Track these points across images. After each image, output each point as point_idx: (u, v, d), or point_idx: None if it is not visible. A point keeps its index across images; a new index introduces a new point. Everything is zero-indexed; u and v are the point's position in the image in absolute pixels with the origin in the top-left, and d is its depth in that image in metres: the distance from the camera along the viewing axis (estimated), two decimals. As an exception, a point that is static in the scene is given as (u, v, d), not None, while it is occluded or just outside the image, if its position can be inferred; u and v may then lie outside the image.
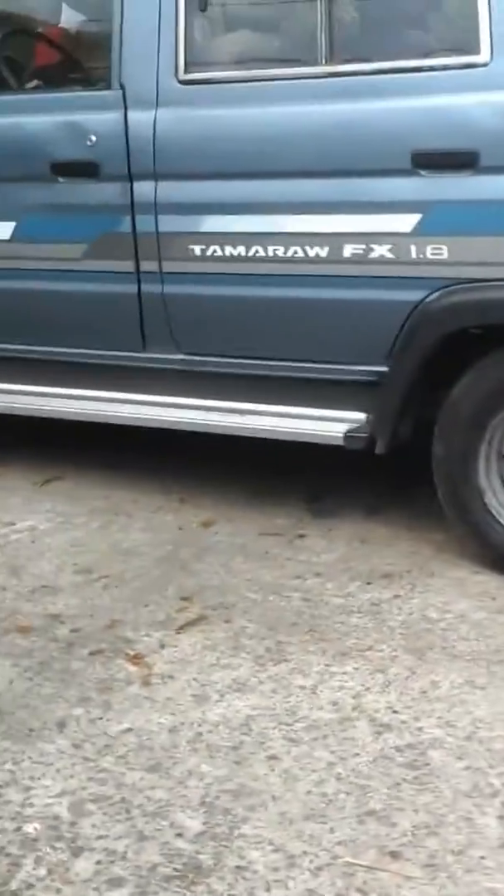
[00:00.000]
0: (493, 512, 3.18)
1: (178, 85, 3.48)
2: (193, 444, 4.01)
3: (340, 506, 3.73)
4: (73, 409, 3.84)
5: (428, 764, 2.36)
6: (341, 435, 3.29)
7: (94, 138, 3.56)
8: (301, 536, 3.54)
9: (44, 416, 3.90)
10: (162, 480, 3.97)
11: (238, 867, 2.10)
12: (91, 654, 2.89)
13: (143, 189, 3.53)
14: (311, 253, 3.31)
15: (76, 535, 3.60)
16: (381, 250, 3.20)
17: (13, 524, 3.69)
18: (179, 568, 3.35)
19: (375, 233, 3.20)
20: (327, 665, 2.77)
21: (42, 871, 2.12)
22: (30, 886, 2.09)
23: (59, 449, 4.25)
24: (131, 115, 3.51)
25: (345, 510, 3.70)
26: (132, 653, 2.88)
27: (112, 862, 2.14)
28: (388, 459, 3.31)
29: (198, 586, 3.23)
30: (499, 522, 3.18)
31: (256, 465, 4.01)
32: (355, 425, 3.30)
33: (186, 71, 3.46)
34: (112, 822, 2.25)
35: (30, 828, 2.25)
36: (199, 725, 2.56)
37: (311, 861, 2.10)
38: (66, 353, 3.86)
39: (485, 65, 3.00)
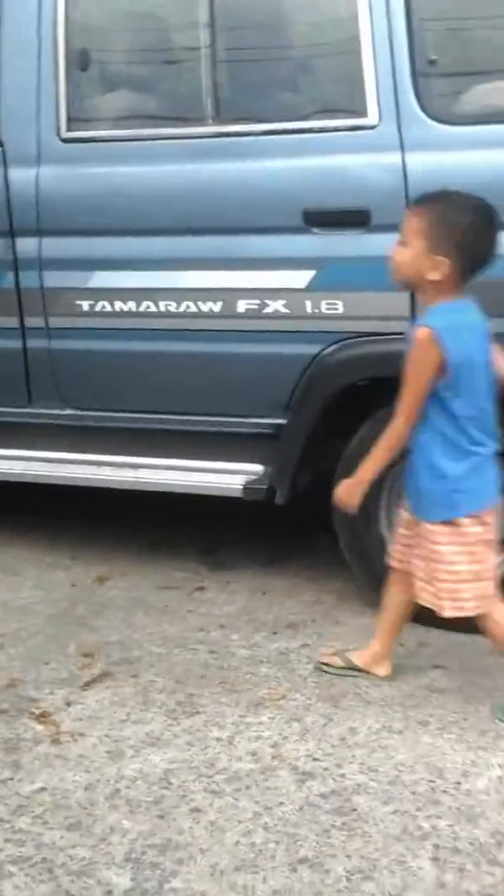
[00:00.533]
0: None
1: (61, 143, 3.47)
2: (83, 499, 3.96)
3: (238, 558, 3.73)
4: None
5: (355, 809, 2.36)
6: (240, 487, 3.30)
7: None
8: (200, 589, 3.52)
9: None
10: (51, 537, 3.91)
11: (173, 922, 2.06)
12: (-6, 714, 2.81)
13: (27, 245, 3.50)
14: (205, 308, 3.33)
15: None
16: (275, 305, 3.24)
17: None
18: (77, 624, 3.29)
19: (269, 288, 3.25)
20: (241, 716, 2.75)
21: (-34, 939, 2.04)
22: None
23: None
24: (12, 172, 3.49)
25: (243, 562, 3.70)
26: (37, 711, 2.81)
27: (41, 924, 2.07)
28: (284, 510, 3.33)
29: (99, 642, 3.17)
30: None
31: (148, 518, 3.98)
32: (254, 477, 3.31)
33: (69, 129, 3.46)
34: (35, 882, 2.18)
35: None
36: (117, 781, 2.50)
37: (247, 911, 2.08)
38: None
39: (373, 127, 3.10)
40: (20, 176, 3.49)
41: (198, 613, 3.35)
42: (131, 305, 3.44)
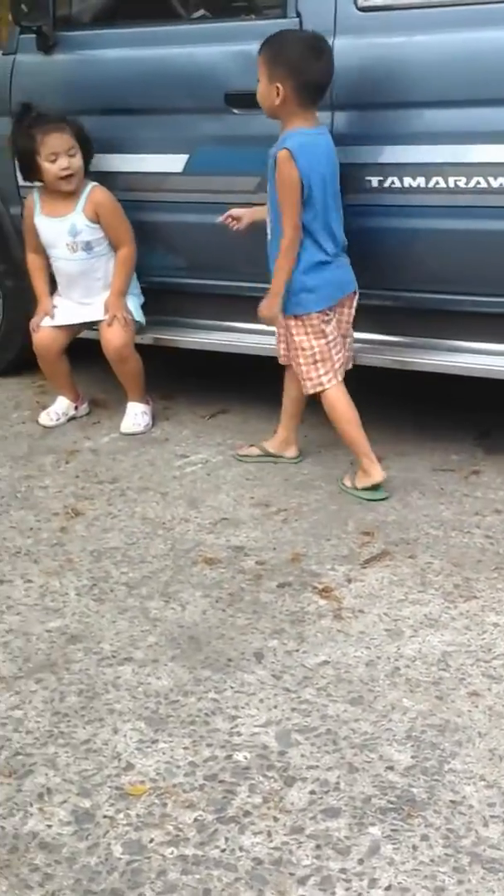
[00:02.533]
0: None
1: (358, 12, 3.43)
2: (362, 380, 4.01)
3: (513, 442, 3.71)
4: (242, 343, 3.86)
5: None
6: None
7: (268, 68, 3.53)
8: (475, 472, 3.53)
9: (213, 349, 3.94)
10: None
11: (452, 801, 2.14)
12: (279, 586, 2.94)
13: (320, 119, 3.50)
14: (495, 184, 3.26)
15: (248, 468, 3.64)
16: None
17: (186, 457, 3.75)
18: (356, 503, 3.37)
19: None
20: (519, 603, 2.79)
21: (257, 800, 2.19)
22: (247, 814, 2.15)
23: (223, 383, 4.29)
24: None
25: (519, 446, 3.68)
26: (320, 586, 2.92)
27: (326, 792, 2.19)
28: None
29: (377, 521, 3.25)
30: None
31: (423, 399, 3.99)
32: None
33: (366, -3, 3.40)
34: (321, 753, 2.31)
35: (240, 756, 2.32)
36: (396, 660, 2.59)
37: (526, 798, 2.13)
38: (234, 287, 3.87)
39: None
40: None
41: (473, 497, 3.37)
42: (420, 181, 3.40)
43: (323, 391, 3.40)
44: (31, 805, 2.21)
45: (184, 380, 4.35)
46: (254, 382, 4.25)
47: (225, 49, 3.68)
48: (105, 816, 2.17)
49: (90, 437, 3.92)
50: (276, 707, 2.46)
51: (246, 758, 2.31)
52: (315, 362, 3.38)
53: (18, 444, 3.94)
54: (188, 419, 4.04)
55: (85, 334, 4.11)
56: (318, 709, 2.44)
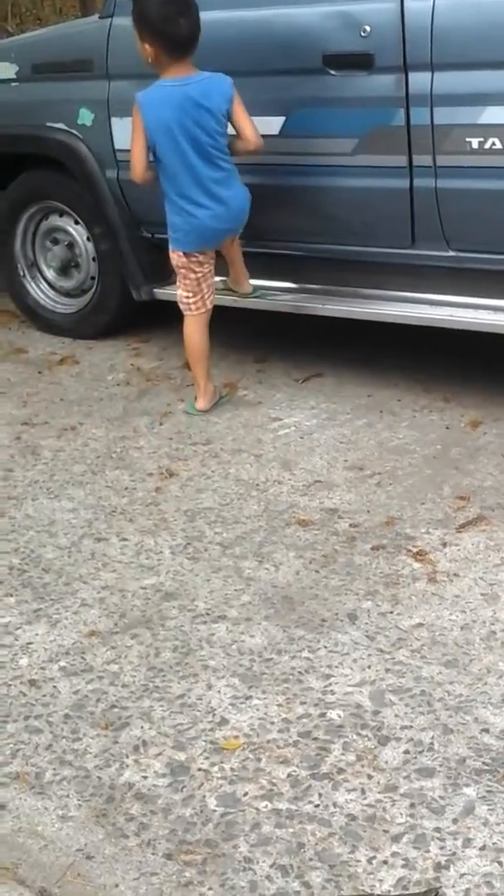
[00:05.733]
0: None
1: (457, -30, 3.37)
2: (455, 344, 3.97)
3: None
4: (337, 307, 3.85)
5: None
6: None
7: (367, 29, 3.48)
8: None
9: (308, 313, 3.93)
10: (424, 380, 3.94)
11: (550, 765, 2.13)
12: (373, 548, 2.93)
13: (419, 80, 3.45)
14: None
15: (343, 431, 3.63)
16: None
17: (280, 419, 3.74)
18: (451, 467, 3.34)
19: None
20: None
21: (350, 757, 2.20)
22: (340, 771, 2.16)
23: (316, 346, 4.27)
24: (408, 3, 3.42)
25: None
26: (414, 549, 2.91)
27: (420, 752, 2.19)
28: None
29: (472, 486, 3.21)
30: None
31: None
32: None
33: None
34: (415, 713, 2.30)
35: (334, 714, 2.32)
36: (492, 624, 2.57)
37: None
38: (332, 250, 3.86)
39: None
40: (416, 8, 3.41)
41: None
42: None
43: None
44: (127, 757, 2.25)
45: (278, 342, 4.34)
46: (348, 346, 4.23)
47: (323, 10, 3.64)
48: (200, 769, 2.20)
49: (184, 399, 3.93)
50: (369, 667, 2.46)
51: (339, 716, 2.32)
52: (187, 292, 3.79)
53: (113, 406, 3.97)
54: (281, 382, 4.04)
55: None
56: (412, 670, 2.44)
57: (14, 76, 4.48)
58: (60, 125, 4.30)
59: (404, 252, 3.69)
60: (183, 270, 3.76)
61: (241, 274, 4.00)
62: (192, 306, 3.80)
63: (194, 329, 3.83)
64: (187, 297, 3.80)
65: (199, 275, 3.75)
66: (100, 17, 4.26)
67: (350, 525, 3.06)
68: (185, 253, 3.71)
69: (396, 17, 3.43)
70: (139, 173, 3.66)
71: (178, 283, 3.82)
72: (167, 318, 4.19)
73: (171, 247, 3.75)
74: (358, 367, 4.08)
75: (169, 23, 3.49)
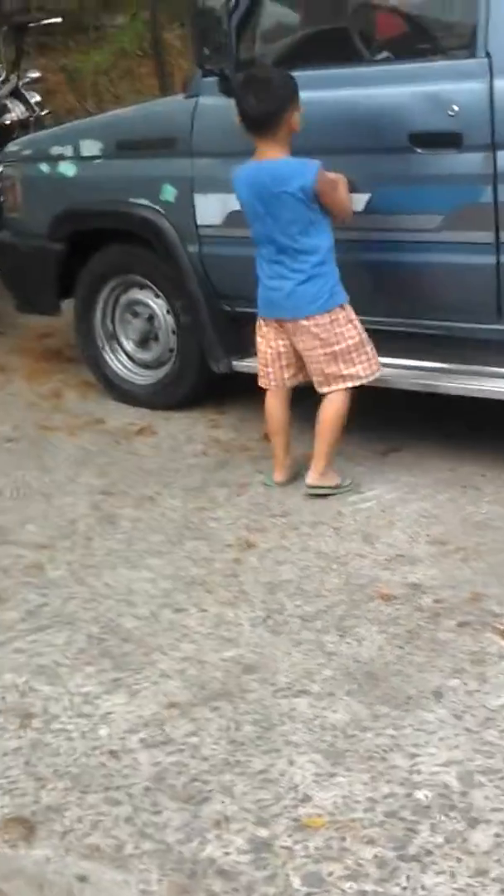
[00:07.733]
0: None
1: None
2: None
3: None
4: (423, 382, 3.82)
5: None
6: None
7: (456, 108, 3.51)
8: None
9: (394, 387, 3.90)
10: (509, 455, 3.90)
11: None
12: (458, 625, 2.87)
13: (507, 159, 3.46)
14: None
15: (424, 505, 3.59)
16: None
17: (361, 493, 3.71)
18: (537, 545, 3.29)
19: None
20: None
21: (439, 839, 2.13)
22: (428, 853, 2.10)
23: (396, 419, 4.25)
24: (498, 83, 3.44)
25: None
26: (501, 627, 2.85)
27: (512, 836, 2.12)
28: None
29: None
30: None
31: None
32: None
33: None
34: (505, 796, 2.24)
35: (421, 794, 2.26)
36: None
37: None
38: (418, 325, 3.84)
39: None
40: None
41: None
42: None
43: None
44: (209, 832, 2.20)
45: (357, 415, 4.32)
46: (427, 420, 4.20)
47: (409, 90, 3.67)
48: (283, 847, 2.15)
49: (262, 471, 3.92)
50: (457, 747, 2.39)
51: (427, 796, 2.25)
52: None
53: (191, 477, 3.97)
54: (362, 454, 4.01)
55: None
56: (501, 751, 2.37)
57: (99, 153, 4.57)
58: (144, 201, 4.37)
59: (490, 327, 3.67)
60: (260, 340, 3.81)
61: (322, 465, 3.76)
62: (265, 379, 3.84)
63: (273, 401, 3.85)
64: (263, 368, 3.84)
65: (273, 351, 3.78)
66: (185, 97, 4.34)
67: (434, 601, 3.00)
68: (261, 319, 3.78)
69: (485, 97, 3.46)
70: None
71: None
72: (244, 389, 4.20)
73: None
74: (439, 441, 4.04)
75: (243, 100, 3.59)
